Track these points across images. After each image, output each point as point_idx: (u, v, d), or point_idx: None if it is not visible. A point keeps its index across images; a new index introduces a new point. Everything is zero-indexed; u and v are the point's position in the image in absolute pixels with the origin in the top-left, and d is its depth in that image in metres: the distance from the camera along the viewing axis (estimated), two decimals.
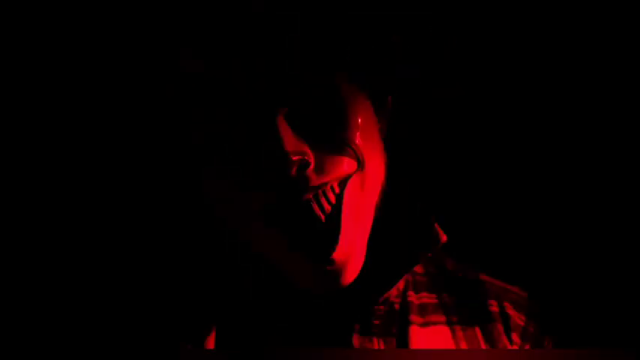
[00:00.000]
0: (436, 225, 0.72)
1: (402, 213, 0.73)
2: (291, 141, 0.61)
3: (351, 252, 0.64)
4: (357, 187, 0.66)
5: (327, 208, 0.63)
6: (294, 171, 0.61)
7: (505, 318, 0.76)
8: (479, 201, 0.96)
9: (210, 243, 0.71)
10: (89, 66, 0.80)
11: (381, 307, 0.71)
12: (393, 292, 0.72)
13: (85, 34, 0.77)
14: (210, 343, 0.65)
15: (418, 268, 0.77)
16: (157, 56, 0.66)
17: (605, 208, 0.99)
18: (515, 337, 0.76)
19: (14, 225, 0.80)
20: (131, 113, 0.76)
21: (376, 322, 0.70)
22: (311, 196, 0.62)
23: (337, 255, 0.63)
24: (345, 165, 0.65)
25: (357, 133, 0.65)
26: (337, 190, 0.64)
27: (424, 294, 0.76)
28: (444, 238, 0.71)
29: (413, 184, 0.74)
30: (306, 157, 0.61)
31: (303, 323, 0.68)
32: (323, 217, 0.63)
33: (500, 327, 0.75)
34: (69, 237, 0.76)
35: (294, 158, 0.60)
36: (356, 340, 0.69)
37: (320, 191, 0.63)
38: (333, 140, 0.64)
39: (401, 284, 0.74)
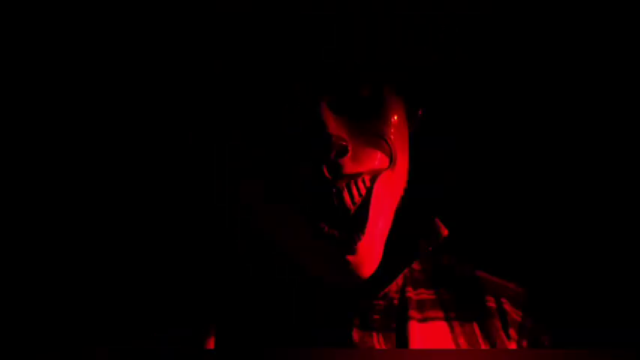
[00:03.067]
0: (437, 219, 0.73)
1: (403, 207, 0.73)
2: (333, 125, 0.63)
3: (374, 246, 0.65)
4: (387, 183, 0.67)
5: (357, 199, 0.64)
6: (333, 154, 0.62)
7: (502, 314, 0.77)
8: (476, 197, 0.96)
9: (210, 242, 0.71)
10: (124, 62, 0.80)
11: (381, 302, 0.71)
12: (392, 288, 0.73)
13: (122, 32, 0.77)
14: (210, 343, 0.66)
15: (416, 265, 0.78)
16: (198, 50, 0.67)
17: (605, 204, 0.99)
18: (512, 332, 0.76)
19: (23, 223, 0.80)
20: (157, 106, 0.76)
21: (376, 316, 0.70)
22: (344, 184, 0.64)
23: (362, 245, 0.64)
24: (379, 159, 0.66)
25: (393, 131, 0.67)
26: (368, 184, 0.65)
27: (422, 290, 0.76)
28: (445, 232, 0.72)
29: (413, 179, 0.74)
30: (344, 144, 0.62)
31: (303, 318, 0.68)
32: (352, 207, 0.64)
33: (497, 323, 0.76)
34: (71, 234, 0.76)
35: (336, 142, 0.62)
36: (356, 335, 0.69)
37: (352, 181, 0.64)
38: (371, 133, 0.66)
39: (400, 280, 0.74)
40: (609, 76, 0.97)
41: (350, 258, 0.63)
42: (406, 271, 0.74)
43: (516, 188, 1.01)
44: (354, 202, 0.64)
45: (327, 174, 0.62)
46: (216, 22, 0.64)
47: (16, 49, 0.82)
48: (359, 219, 0.64)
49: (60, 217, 0.78)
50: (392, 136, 0.67)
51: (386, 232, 0.67)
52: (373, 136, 0.66)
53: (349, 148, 0.63)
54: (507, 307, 0.77)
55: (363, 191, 0.65)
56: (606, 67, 0.96)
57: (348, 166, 0.63)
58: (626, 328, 0.87)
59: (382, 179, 0.67)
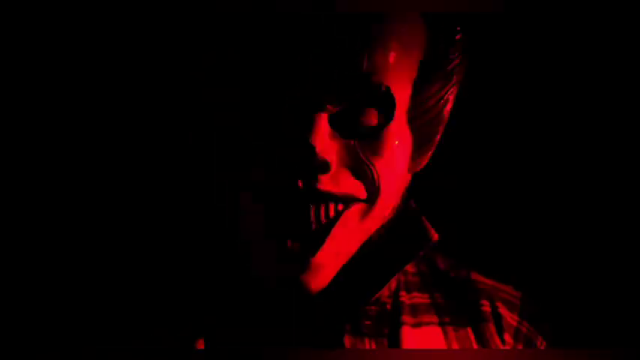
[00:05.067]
0: (427, 223, 0.71)
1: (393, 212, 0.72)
2: (323, 139, 0.61)
3: (322, 269, 0.64)
4: (360, 214, 0.65)
5: (323, 219, 0.63)
6: (313, 168, 0.61)
7: (497, 318, 0.76)
8: (472, 198, 0.96)
9: (203, 242, 0.70)
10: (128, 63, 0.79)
11: (373, 307, 0.71)
12: (385, 293, 0.72)
13: (130, 33, 0.77)
14: (200, 343, 0.65)
15: (410, 268, 0.77)
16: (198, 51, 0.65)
17: (602, 205, 0.99)
18: (507, 337, 0.75)
19: (23, 222, 0.79)
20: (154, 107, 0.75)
21: (367, 322, 0.70)
22: (315, 200, 0.62)
23: (313, 263, 0.63)
24: (359, 189, 0.64)
25: (390, 164, 0.65)
26: (340, 207, 0.64)
27: (416, 294, 0.75)
28: (435, 237, 0.70)
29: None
30: (327, 160, 0.61)
31: (294, 324, 0.67)
32: (314, 226, 0.63)
33: (492, 327, 0.75)
34: (71, 235, 0.76)
35: (319, 156, 0.60)
36: (347, 341, 0.68)
37: (324, 201, 0.63)
38: (363, 159, 0.64)
39: (393, 284, 0.73)
40: (601, 74, 0.97)
41: (295, 268, 0.63)
42: (400, 275, 0.74)
43: (515, 188, 1.01)
44: (318, 221, 0.63)
45: (300, 185, 0.61)
46: (221, 22, 0.63)
47: (14, 48, 0.82)
48: (316, 239, 0.63)
49: (60, 218, 0.78)
50: (385, 170, 0.65)
51: (343, 260, 0.66)
52: (364, 163, 0.64)
53: (332, 166, 0.61)
54: (502, 311, 0.76)
55: (332, 214, 0.63)
56: (598, 65, 0.96)
57: (325, 183, 0.62)
58: (626, 328, 0.88)
59: (356, 209, 0.65)
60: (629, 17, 0.91)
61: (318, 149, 0.60)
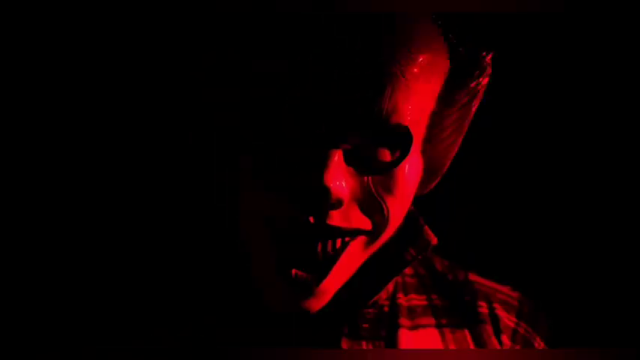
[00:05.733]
0: (426, 227, 0.71)
1: None
2: (337, 176, 0.59)
3: (324, 294, 0.64)
4: (363, 245, 0.65)
5: (329, 252, 0.63)
6: (325, 206, 0.60)
7: (494, 319, 0.76)
8: (470, 198, 0.97)
9: (203, 241, 0.70)
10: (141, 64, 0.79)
11: (370, 310, 0.71)
12: (383, 295, 0.72)
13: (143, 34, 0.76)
14: (193, 343, 0.65)
15: (407, 270, 0.77)
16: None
17: (599, 205, 0.99)
18: (505, 338, 0.75)
19: (22, 222, 0.79)
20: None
21: (365, 325, 0.70)
22: (323, 234, 0.62)
23: (317, 290, 0.63)
24: (366, 224, 0.63)
25: (399, 203, 0.64)
26: (347, 239, 0.63)
27: (413, 296, 0.75)
28: (434, 240, 0.70)
29: None
30: (341, 198, 0.59)
31: (292, 326, 0.67)
32: (320, 258, 0.62)
33: (489, 329, 0.75)
34: (70, 234, 0.75)
35: (333, 194, 0.59)
36: (345, 344, 0.68)
37: (330, 237, 0.62)
38: (375, 194, 0.63)
39: (390, 286, 0.73)
40: (593, 76, 0.98)
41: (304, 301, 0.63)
42: (397, 277, 0.73)
43: (512, 188, 1.01)
44: (324, 253, 0.62)
45: (311, 220, 0.60)
46: (221, 23, 0.63)
47: (14, 48, 0.81)
48: (322, 270, 0.63)
49: (60, 217, 0.78)
50: (396, 205, 0.64)
51: (344, 281, 0.65)
52: (375, 199, 0.63)
53: (344, 202, 0.60)
54: (500, 312, 0.76)
55: (338, 247, 0.63)
56: (589, 68, 0.97)
57: (335, 219, 0.61)
58: (625, 329, 0.88)
59: (362, 239, 0.64)
60: None
61: (332, 188, 0.58)
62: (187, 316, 0.67)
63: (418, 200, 0.72)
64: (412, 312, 0.73)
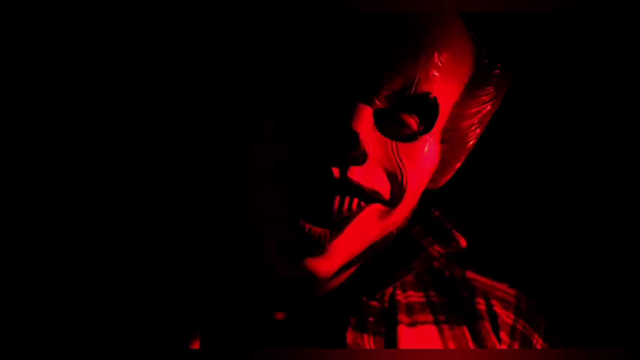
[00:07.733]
0: (454, 231, 0.73)
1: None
2: (365, 131, 0.60)
3: (333, 256, 0.64)
4: (377, 215, 0.65)
5: (344, 211, 0.62)
6: (351, 155, 0.60)
7: (493, 316, 0.76)
8: (468, 196, 0.96)
9: (205, 241, 0.70)
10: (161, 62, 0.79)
11: (376, 303, 0.71)
12: (388, 290, 0.73)
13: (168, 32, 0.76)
14: (196, 343, 0.65)
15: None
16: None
17: (598, 204, 0.99)
18: (503, 335, 0.75)
19: (22, 221, 0.79)
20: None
21: (371, 319, 0.70)
22: (343, 190, 0.62)
23: (325, 249, 0.63)
24: (384, 190, 0.64)
25: (416, 175, 0.65)
26: (363, 204, 0.63)
27: (411, 292, 0.75)
28: (463, 243, 0.72)
29: None
30: (366, 153, 0.60)
31: (298, 317, 0.68)
32: (335, 214, 0.62)
33: (487, 325, 0.75)
34: (70, 235, 0.75)
35: (361, 144, 0.59)
36: (349, 335, 0.68)
37: (351, 192, 0.62)
38: (396, 161, 0.63)
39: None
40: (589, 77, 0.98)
41: (308, 251, 0.63)
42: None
43: (510, 186, 1.01)
44: (340, 212, 0.62)
45: (335, 173, 0.61)
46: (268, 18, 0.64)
47: (16, 49, 0.82)
48: (336, 227, 0.63)
49: (60, 217, 0.77)
50: (413, 176, 0.64)
51: (353, 254, 0.66)
52: (396, 164, 0.63)
53: (367, 156, 0.60)
54: (498, 309, 0.77)
55: (354, 208, 0.63)
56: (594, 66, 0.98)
57: (357, 174, 0.61)
58: (623, 327, 0.88)
59: (376, 208, 0.64)
60: None
61: (359, 135, 0.59)
62: (187, 315, 0.67)
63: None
64: (410, 308, 0.74)
